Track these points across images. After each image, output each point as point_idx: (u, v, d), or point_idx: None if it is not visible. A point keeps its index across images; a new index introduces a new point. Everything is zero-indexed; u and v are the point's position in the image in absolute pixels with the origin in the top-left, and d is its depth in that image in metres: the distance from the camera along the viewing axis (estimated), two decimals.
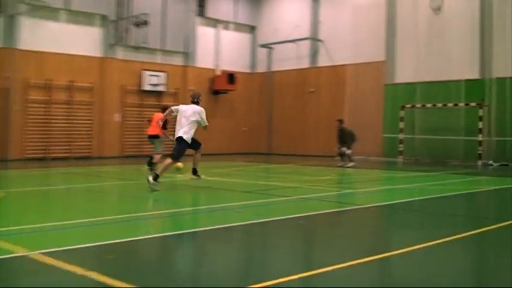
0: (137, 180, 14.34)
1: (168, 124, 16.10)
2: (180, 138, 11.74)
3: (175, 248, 6.57)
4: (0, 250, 5.96)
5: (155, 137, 16.65)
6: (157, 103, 25.52)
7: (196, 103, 12.29)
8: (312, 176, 15.75)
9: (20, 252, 5.84)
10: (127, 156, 24.18)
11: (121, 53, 24.77)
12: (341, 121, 20.27)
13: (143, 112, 24.93)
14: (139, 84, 25.06)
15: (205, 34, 27.87)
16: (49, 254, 5.72)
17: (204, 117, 12.08)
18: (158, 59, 26.07)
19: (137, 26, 24.49)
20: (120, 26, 24.55)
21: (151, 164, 16.14)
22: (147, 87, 25.06)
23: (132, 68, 24.88)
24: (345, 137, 19.63)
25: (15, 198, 10.77)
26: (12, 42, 21.53)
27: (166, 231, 7.17)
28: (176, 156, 11.94)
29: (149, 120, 17.45)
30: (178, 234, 7.10)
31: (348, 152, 19.40)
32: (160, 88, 25.47)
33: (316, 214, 8.75)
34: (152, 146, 17.12)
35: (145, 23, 24.37)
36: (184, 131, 11.80)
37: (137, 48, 25.00)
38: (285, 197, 10.85)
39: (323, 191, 12.02)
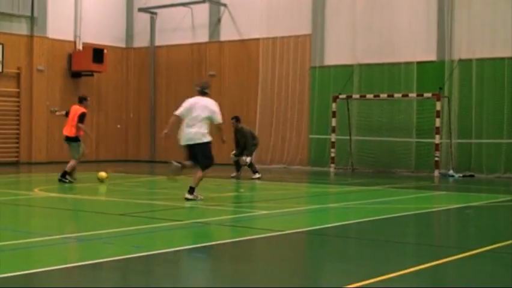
0: None
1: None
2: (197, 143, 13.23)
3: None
4: None
5: (72, 139, 17.98)
6: None
7: (206, 94, 13.38)
8: (212, 192, 15.81)
9: None
10: None
11: None
12: (237, 119, 20.52)
13: None
14: None
15: None
16: None
17: (218, 111, 13.33)
18: None
19: None
20: None
21: (65, 175, 17.36)
22: None
23: None
24: (245, 140, 19.92)
25: None
26: None
27: (12, 271, 6.98)
28: (210, 164, 13.56)
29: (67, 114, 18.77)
30: (23, 274, 6.94)
31: (248, 159, 19.65)
32: None
33: (218, 244, 8.79)
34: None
35: None
36: (196, 131, 13.14)
37: None
38: (176, 222, 10.84)
39: (227, 212, 12.12)
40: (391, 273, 6.99)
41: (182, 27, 28.50)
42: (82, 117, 17.94)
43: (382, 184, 18.52)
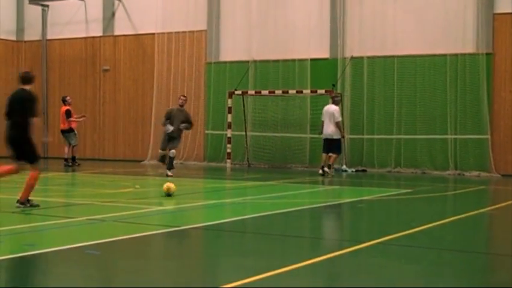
0: None
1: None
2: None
3: None
4: None
5: (66, 131, 23.21)
6: None
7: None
8: (108, 188, 15.66)
9: None
10: None
11: None
12: None
13: None
14: None
15: None
16: None
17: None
18: None
19: None
20: None
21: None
22: None
23: None
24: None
25: None
26: None
27: None
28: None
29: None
30: None
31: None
32: None
33: (113, 241, 8.71)
34: None
35: None
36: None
37: None
38: (70, 219, 10.71)
39: (123, 208, 12.00)
40: (287, 266, 7.10)
41: (76, 20, 28.01)
42: (68, 114, 22.94)
43: (278, 179, 18.74)
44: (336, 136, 19.57)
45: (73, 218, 10.86)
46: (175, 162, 19.34)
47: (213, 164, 24.21)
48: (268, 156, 23.83)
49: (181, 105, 19.55)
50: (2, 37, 28.14)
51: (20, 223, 10.32)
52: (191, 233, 9.80)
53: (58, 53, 28.45)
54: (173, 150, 18.95)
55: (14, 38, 28.96)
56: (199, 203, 13.70)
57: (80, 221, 10.50)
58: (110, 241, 8.70)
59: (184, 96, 20.33)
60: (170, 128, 18.59)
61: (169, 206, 12.73)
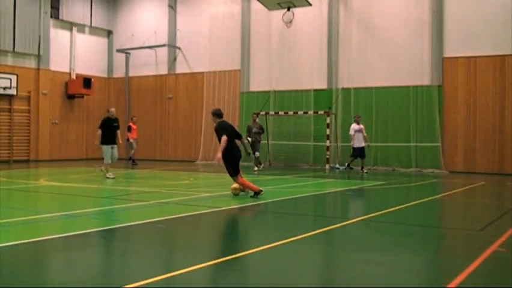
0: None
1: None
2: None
3: (30, 256, 6.24)
4: None
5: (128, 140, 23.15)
6: (8, 107, 24.18)
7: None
8: (170, 181, 15.70)
9: None
10: None
11: None
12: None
13: None
14: None
15: (59, 37, 26.70)
16: None
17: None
18: (9, 61, 24.53)
19: None
20: None
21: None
22: None
23: None
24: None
25: None
26: None
27: (21, 239, 6.77)
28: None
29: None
30: (31, 242, 6.74)
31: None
32: (10, 91, 23.96)
33: (175, 218, 8.75)
34: None
35: None
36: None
37: None
38: (144, 202, 10.72)
39: (181, 195, 12.04)
40: (296, 236, 7.09)
41: (149, 63, 28.17)
42: (128, 129, 23.13)
43: (290, 174, 18.73)
44: (364, 145, 19.83)
45: (145, 201, 10.88)
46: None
47: (244, 164, 24.14)
48: (283, 158, 23.78)
49: (254, 120, 20.93)
50: (98, 75, 28.36)
51: (108, 205, 10.37)
52: (228, 212, 9.82)
53: (136, 86, 28.62)
54: (257, 152, 20.05)
55: (105, 75, 29.18)
56: (236, 192, 13.68)
57: (150, 204, 10.53)
58: (172, 218, 8.73)
59: (255, 113, 21.73)
60: (249, 139, 19.40)
61: (214, 193, 12.75)
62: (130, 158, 23.20)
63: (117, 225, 7.97)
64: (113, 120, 16.45)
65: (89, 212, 9.42)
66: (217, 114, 11.76)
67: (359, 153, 19.72)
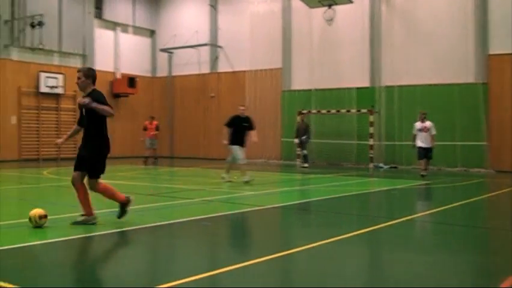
0: (36, 184, 13.77)
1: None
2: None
3: (80, 251, 6.42)
4: None
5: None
6: (55, 105, 24.79)
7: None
8: (214, 179, 15.82)
9: None
10: (27, 160, 23.23)
11: (16, 54, 23.72)
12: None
13: (42, 114, 24.24)
14: (36, 87, 24.10)
15: (103, 37, 27.25)
16: None
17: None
18: (56, 60, 25.17)
19: (33, 27, 23.57)
20: (15, 26, 23.51)
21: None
22: (44, 89, 24.15)
23: (28, 69, 23.89)
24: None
25: None
26: None
27: (67, 236, 6.96)
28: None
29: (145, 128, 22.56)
30: (80, 237, 6.92)
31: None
32: (57, 90, 24.60)
33: (220, 215, 8.83)
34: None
35: (40, 24, 23.54)
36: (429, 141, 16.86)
37: (33, 49, 24.01)
38: (189, 199, 10.85)
39: (225, 193, 12.14)
40: (342, 235, 7.07)
41: (191, 62, 28.44)
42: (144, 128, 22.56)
43: (332, 173, 18.63)
44: (431, 145, 17.24)
45: (190, 199, 11.01)
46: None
47: (287, 162, 24.19)
48: (326, 156, 23.66)
49: (302, 120, 21.69)
50: (142, 74, 28.81)
51: (154, 202, 10.53)
52: (272, 211, 9.84)
53: (179, 85, 28.94)
54: (304, 151, 20.92)
55: (150, 74, 29.61)
56: (276, 190, 13.72)
57: (195, 201, 10.66)
58: (217, 215, 8.82)
59: (302, 113, 22.41)
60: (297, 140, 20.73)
61: (256, 191, 12.78)
62: (149, 157, 22.46)
63: (163, 222, 8.09)
64: (243, 119, 14.69)
65: (135, 209, 9.58)
66: None
67: (422, 153, 17.13)
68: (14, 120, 23.44)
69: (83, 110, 7.68)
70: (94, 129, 7.65)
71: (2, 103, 23.07)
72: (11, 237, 6.84)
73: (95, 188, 7.80)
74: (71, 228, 7.49)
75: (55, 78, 24.47)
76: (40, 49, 24.13)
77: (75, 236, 6.92)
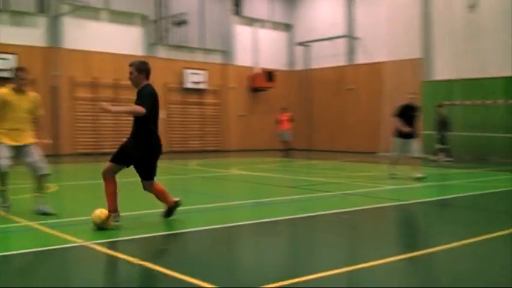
0: (183, 175, 14.56)
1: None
2: None
3: (224, 240, 6.67)
4: (61, 240, 6.19)
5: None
6: (199, 100, 26.00)
7: None
8: (353, 172, 15.70)
9: (77, 241, 6.06)
10: (174, 152, 24.61)
11: (162, 52, 25.15)
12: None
13: (187, 109, 25.58)
14: (181, 82, 25.41)
15: (242, 33, 28.04)
16: (104, 244, 5.93)
17: None
18: (199, 57, 26.35)
19: (177, 26, 24.88)
20: (160, 25, 24.94)
21: None
22: (189, 85, 25.41)
23: (174, 66, 25.24)
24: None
25: (66, 191, 11.07)
26: (57, 41, 22.09)
27: (214, 224, 7.26)
28: None
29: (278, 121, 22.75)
30: (225, 227, 7.20)
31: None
32: (201, 86, 25.78)
33: (360, 209, 8.74)
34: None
35: (184, 22, 24.81)
36: None
37: (178, 47, 25.35)
38: (328, 192, 10.87)
39: (365, 186, 11.99)
40: (491, 233, 6.70)
41: (328, 55, 28.37)
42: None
43: (478, 168, 17.68)
44: None
45: (330, 192, 11.02)
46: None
47: (427, 156, 23.34)
48: (470, 150, 22.48)
49: (441, 112, 20.92)
50: (280, 68, 29.25)
51: (294, 194, 10.65)
52: (414, 206, 9.56)
53: (316, 77, 28.99)
54: (445, 145, 20.51)
55: (287, 68, 29.98)
56: (418, 184, 13.26)
57: (335, 194, 10.65)
58: (357, 209, 8.74)
59: (441, 104, 21.47)
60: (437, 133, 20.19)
61: (397, 185, 12.47)
62: (286, 149, 22.81)
63: (303, 214, 8.18)
64: (413, 109, 13.82)
65: (276, 200, 9.80)
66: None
67: None
68: (161, 114, 24.91)
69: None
70: (139, 125, 7.10)
71: None
72: (159, 225, 7.27)
73: (150, 189, 7.41)
74: (215, 217, 7.82)
75: (198, 74, 25.63)
76: (184, 47, 25.42)
77: (218, 226, 7.20)
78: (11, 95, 7.78)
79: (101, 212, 6.69)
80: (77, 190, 11.49)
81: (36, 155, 7.80)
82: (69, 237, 6.20)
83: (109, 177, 7.12)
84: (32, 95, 8.04)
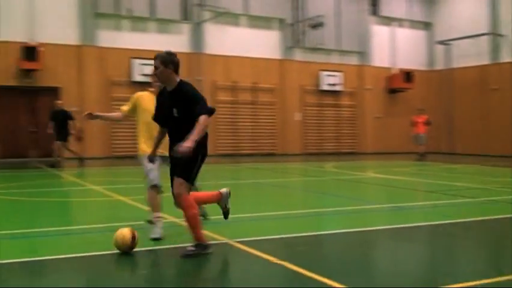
0: (319, 177, 14.59)
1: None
2: None
3: (362, 244, 6.59)
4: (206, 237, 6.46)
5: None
6: (335, 102, 25.96)
7: None
8: (500, 178, 14.76)
9: (221, 239, 6.31)
10: (310, 154, 24.79)
11: (298, 55, 25.42)
12: None
13: (322, 111, 25.64)
14: (317, 85, 25.51)
15: (379, 33, 27.50)
16: (245, 243, 6.10)
17: None
18: (335, 59, 26.28)
19: (313, 28, 25.03)
20: (297, 28, 25.22)
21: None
22: (325, 87, 25.46)
23: (310, 68, 25.40)
24: None
25: (210, 190, 11.53)
26: (199, 47, 23.13)
27: (351, 227, 7.20)
28: None
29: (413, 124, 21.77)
30: (361, 231, 7.11)
31: None
32: (337, 88, 25.71)
33: (503, 218, 8.19)
34: None
35: (321, 24, 24.90)
36: None
37: (314, 49, 25.48)
38: (472, 199, 10.32)
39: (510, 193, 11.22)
40: None
41: (469, 53, 26.96)
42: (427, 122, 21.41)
43: None
44: None
45: (473, 198, 10.46)
46: None
47: None
48: None
49: None
50: (418, 68, 28.24)
51: (433, 200, 10.23)
52: None
53: (457, 77, 27.63)
54: None
55: (426, 68, 28.93)
56: None
57: (478, 201, 10.08)
58: (501, 217, 8.18)
59: None
60: None
61: None
62: (422, 153, 21.46)
63: (445, 220, 7.84)
64: None
65: (414, 205, 9.48)
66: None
67: None
68: (297, 116, 25.15)
69: (167, 108, 5.72)
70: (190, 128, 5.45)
71: (287, 101, 24.95)
72: (300, 225, 7.34)
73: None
74: (351, 221, 7.74)
75: (334, 76, 25.58)
76: (320, 49, 25.50)
77: (354, 229, 7.12)
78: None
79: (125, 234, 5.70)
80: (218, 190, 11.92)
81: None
82: (213, 234, 6.45)
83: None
84: None
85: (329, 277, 4.73)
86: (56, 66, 20.56)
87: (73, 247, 5.97)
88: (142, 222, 6.97)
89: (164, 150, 6.18)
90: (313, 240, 6.66)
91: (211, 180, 12.67)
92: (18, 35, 19.77)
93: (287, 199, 10.31)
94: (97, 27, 21.49)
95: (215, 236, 6.42)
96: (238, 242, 6.14)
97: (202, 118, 5.42)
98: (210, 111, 5.55)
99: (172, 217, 7.47)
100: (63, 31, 20.81)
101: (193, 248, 5.60)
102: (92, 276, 5.12)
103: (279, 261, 5.28)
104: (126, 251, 5.67)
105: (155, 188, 6.70)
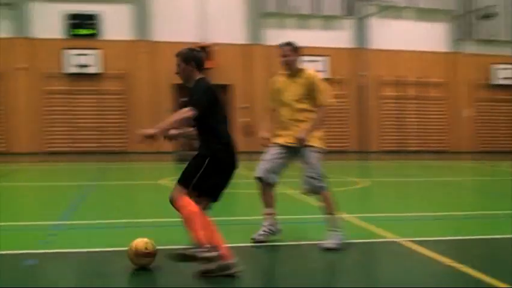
0: (494, 177, 13.78)
1: None
2: None
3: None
4: (372, 234, 6.43)
5: None
6: (510, 97, 24.33)
7: None
8: None
9: (390, 237, 6.22)
10: (483, 152, 23.43)
11: (468, 47, 24.12)
12: None
13: (495, 107, 24.06)
14: (489, 79, 24.01)
15: None
16: (417, 242, 5.92)
17: None
18: (508, 51, 24.48)
19: (485, 19, 23.63)
20: (467, 20, 23.97)
21: None
22: (498, 81, 23.90)
23: (480, 62, 23.96)
24: None
25: (376, 187, 11.41)
26: (364, 42, 22.91)
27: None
28: None
29: None
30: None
31: None
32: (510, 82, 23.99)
33: None
34: None
35: (494, 15, 23.44)
36: None
37: (485, 41, 24.03)
38: None
39: None
40: None
41: None
42: None
43: None
44: None
45: None
46: None
47: None
48: None
49: None
50: None
51: None
52: None
53: None
54: None
55: None
56: None
57: None
58: None
59: None
60: None
61: None
62: None
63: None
64: None
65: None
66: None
67: None
68: (465, 113, 23.88)
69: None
70: (203, 131, 5.04)
71: (457, 96, 23.79)
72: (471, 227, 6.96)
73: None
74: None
75: (508, 69, 23.92)
76: (493, 40, 23.98)
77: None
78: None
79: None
80: (384, 187, 11.75)
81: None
82: (381, 232, 6.37)
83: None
84: None
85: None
86: (226, 64, 21.56)
87: None
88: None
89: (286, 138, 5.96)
90: (489, 244, 6.27)
91: (375, 177, 12.52)
92: (190, 36, 20.98)
93: (455, 199, 9.85)
94: (264, 26, 22.19)
95: (383, 233, 6.33)
96: (408, 240, 5.97)
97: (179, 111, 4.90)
98: (192, 111, 4.78)
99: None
100: (232, 31, 21.80)
101: (209, 267, 4.66)
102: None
103: (454, 264, 5.06)
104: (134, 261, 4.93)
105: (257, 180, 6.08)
